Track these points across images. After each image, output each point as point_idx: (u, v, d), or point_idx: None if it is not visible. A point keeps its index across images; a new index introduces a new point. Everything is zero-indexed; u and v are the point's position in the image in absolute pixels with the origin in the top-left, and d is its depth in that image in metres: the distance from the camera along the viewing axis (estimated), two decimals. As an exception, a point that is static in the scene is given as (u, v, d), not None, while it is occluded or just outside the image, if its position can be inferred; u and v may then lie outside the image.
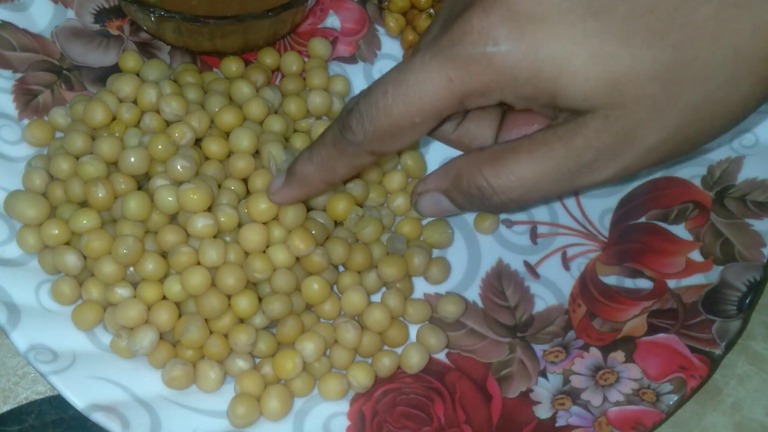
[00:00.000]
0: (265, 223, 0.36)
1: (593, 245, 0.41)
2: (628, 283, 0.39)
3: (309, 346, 0.35)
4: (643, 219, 0.41)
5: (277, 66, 0.43)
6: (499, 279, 0.40)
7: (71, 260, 0.35)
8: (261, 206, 0.35)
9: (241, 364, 0.35)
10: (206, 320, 0.35)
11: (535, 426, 0.35)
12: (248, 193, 0.37)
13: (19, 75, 0.41)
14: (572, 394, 0.36)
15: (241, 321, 0.35)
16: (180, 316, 0.35)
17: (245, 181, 0.37)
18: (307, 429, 0.35)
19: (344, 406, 0.36)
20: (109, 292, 0.34)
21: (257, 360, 0.36)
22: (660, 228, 0.40)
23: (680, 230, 0.40)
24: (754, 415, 0.37)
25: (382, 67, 0.45)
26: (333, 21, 0.46)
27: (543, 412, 0.35)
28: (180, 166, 0.35)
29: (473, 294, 0.39)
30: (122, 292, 0.34)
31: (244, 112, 0.39)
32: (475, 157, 0.30)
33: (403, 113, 0.28)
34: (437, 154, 0.43)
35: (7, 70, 0.41)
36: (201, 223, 0.34)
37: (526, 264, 0.40)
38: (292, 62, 0.43)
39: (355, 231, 0.37)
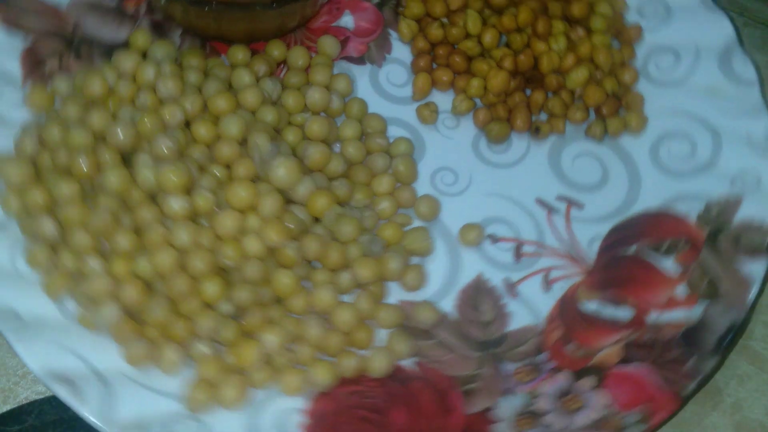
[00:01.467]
0: (242, 212, 0.36)
1: (578, 269, 0.40)
2: (609, 311, 0.39)
3: (272, 338, 0.35)
4: (633, 248, 0.40)
5: (284, 59, 0.44)
6: (477, 293, 0.39)
7: (48, 226, 0.35)
8: (240, 193, 0.36)
9: (203, 348, 0.35)
10: (174, 302, 0.35)
11: (490, 444, 0.34)
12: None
13: (30, 40, 0.41)
14: (536, 416, 0.35)
15: (208, 306, 0.35)
16: (148, 295, 0.35)
17: (229, 167, 0.37)
18: (261, 421, 0.34)
19: (304, 403, 0.35)
20: (80, 262, 0.35)
21: (222, 347, 0.36)
22: (648, 260, 0.40)
23: (669, 263, 0.39)
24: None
25: (389, 70, 0.45)
26: (347, 20, 0.46)
27: (503, 431, 0.35)
28: (164, 145, 0.36)
29: (448, 305, 0.39)
30: (92, 263, 0.35)
31: (239, 100, 0.39)
32: None
33: None
34: (431, 161, 0.42)
35: (19, 34, 0.41)
36: (175, 204, 0.35)
37: (507, 281, 0.40)
38: (298, 57, 0.43)
39: (332, 229, 0.37)
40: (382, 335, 0.37)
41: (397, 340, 0.37)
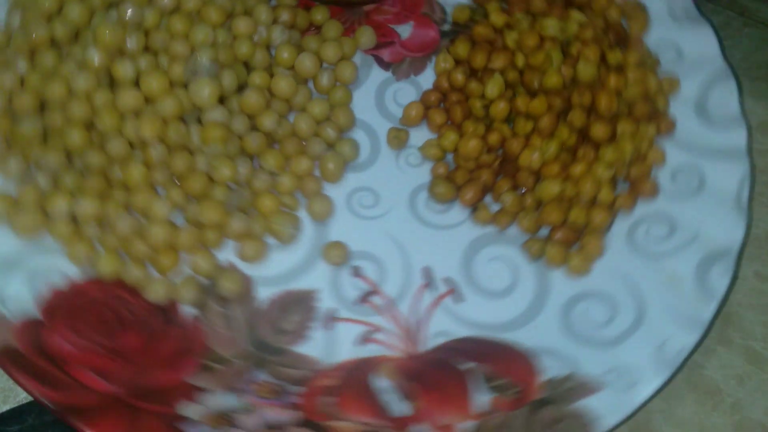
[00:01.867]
0: (146, 99, 0.38)
1: (401, 347, 0.37)
2: (389, 398, 0.35)
3: (86, 206, 0.36)
4: (468, 365, 0.36)
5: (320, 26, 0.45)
6: (297, 302, 0.38)
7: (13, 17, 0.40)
8: (151, 82, 0.38)
9: (38, 176, 0.37)
10: (45, 129, 0.38)
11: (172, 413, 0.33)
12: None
13: None
14: (231, 424, 0.34)
15: (68, 151, 0.38)
16: (31, 111, 0.38)
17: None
18: (27, 260, 0.36)
19: (78, 276, 0.37)
20: (4, 56, 0.39)
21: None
22: (470, 383, 0.36)
23: (484, 398, 0.35)
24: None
25: (401, 87, 0.44)
26: (406, 29, 0.46)
27: (192, 410, 0.34)
28: (127, 11, 0.38)
29: (265, 294, 0.38)
30: (18, 62, 0.38)
31: (231, 24, 0.41)
32: None
33: None
34: (365, 178, 0.41)
35: None
36: (93, 56, 0.37)
37: (331, 312, 0.38)
38: (330, 29, 0.44)
39: (210, 162, 0.38)
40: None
41: (186, 285, 0.37)
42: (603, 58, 0.42)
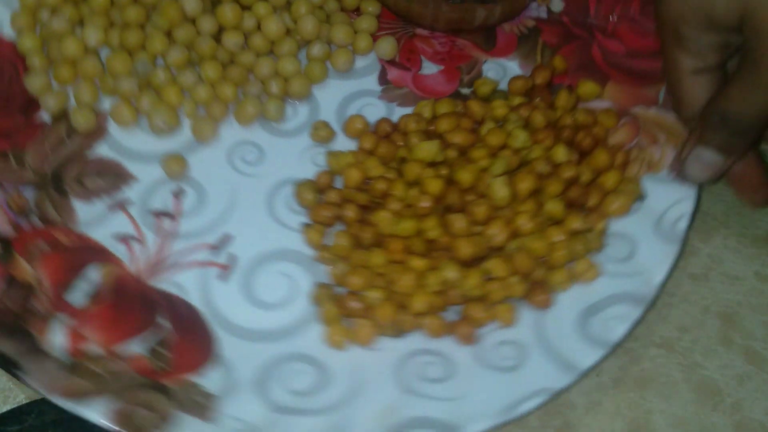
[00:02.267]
0: None
1: (137, 267, 0.37)
2: (82, 288, 0.36)
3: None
4: (163, 322, 0.36)
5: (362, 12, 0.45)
6: (113, 175, 0.40)
7: None
8: None
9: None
10: None
11: None
12: None
13: None
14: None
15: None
16: None
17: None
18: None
19: (5, 34, 0.42)
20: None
21: None
22: (141, 333, 0.35)
23: (138, 349, 0.34)
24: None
25: (373, 104, 0.43)
26: (431, 68, 0.44)
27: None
28: None
29: (100, 151, 0.40)
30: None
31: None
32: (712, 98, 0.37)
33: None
34: (265, 139, 0.41)
35: None
36: None
37: (126, 201, 0.39)
38: (364, 21, 0.44)
39: (150, 29, 0.41)
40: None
41: (58, 95, 0.40)
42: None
